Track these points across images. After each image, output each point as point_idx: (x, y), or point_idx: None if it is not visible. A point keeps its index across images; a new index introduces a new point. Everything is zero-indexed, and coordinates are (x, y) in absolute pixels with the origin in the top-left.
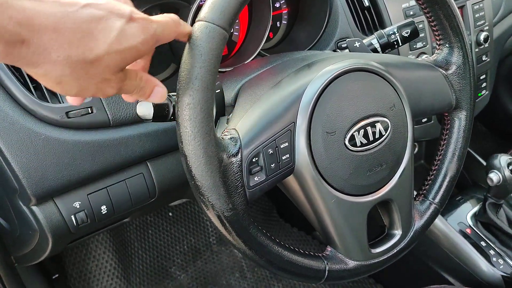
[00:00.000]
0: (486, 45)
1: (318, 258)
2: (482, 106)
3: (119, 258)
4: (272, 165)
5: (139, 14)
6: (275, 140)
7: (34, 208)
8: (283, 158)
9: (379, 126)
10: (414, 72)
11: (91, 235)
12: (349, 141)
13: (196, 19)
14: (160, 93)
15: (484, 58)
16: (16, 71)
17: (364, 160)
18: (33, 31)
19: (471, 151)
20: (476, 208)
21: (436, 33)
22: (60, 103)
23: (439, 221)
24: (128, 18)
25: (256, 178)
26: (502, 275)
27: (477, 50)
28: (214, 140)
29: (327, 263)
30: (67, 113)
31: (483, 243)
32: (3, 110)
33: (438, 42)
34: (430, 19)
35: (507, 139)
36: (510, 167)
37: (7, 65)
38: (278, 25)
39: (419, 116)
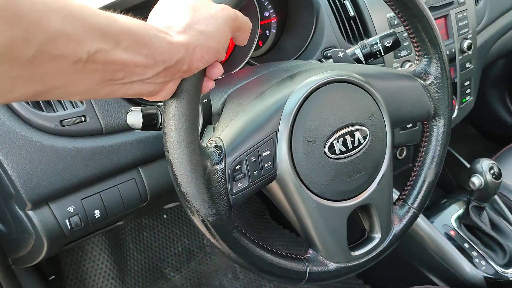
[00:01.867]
0: (470, 52)
1: (299, 261)
2: (467, 111)
3: (115, 260)
4: (255, 172)
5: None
6: (257, 148)
7: (30, 212)
8: (265, 165)
9: (357, 134)
10: (393, 82)
11: (86, 238)
12: (329, 149)
13: None
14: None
15: (468, 65)
16: None
17: (343, 167)
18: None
19: (457, 155)
20: (460, 211)
21: (415, 45)
22: (54, 112)
23: (424, 224)
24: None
25: (239, 185)
26: (484, 276)
27: (460, 57)
28: (198, 149)
29: (308, 265)
30: (61, 121)
31: (466, 245)
32: (0, 119)
33: (417, 54)
34: (409, 32)
35: (496, 141)
36: (491, 171)
37: None
38: (267, 34)
39: (399, 124)
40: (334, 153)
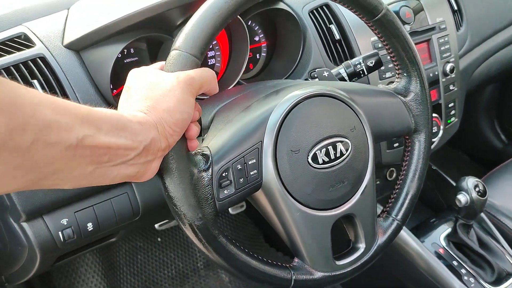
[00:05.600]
0: (453, 75)
1: (284, 268)
2: (452, 132)
3: (108, 282)
4: (241, 180)
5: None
6: (243, 157)
7: (24, 224)
8: (251, 173)
9: (340, 146)
10: (375, 98)
11: (78, 254)
12: (312, 159)
13: (172, 48)
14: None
15: (451, 87)
16: None
17: (326, 176)
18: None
19: (445, 176)
20: (449, 230)
21: (395, 64)
22: None
23: (414, 242)
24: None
25: (225, 191)
26: None
27: (444, 80)
28: (185, 155)
29: (293, 273)
30: None
31: (455, 263)
32: None
33: (397, 72)
34: (389, 51)
35: (488, 167)
36: (477, 189)
37: None
38: (257, 57)
39: (381, 139)
40: (318, 162)
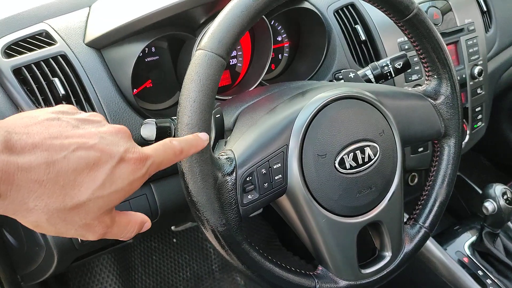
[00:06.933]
0: (481, 78)
1: (309, 277)
2: (478, 138)
3: (123, 283)
4: (265, 185)
5: (133, 152)
6: (268, 161)
7: None
8: (276, 178)
9: (368, 150)
10: (404, 101)
11: (95, 255)
12: (339, 163)
13: (197, 48)
14: (147, 227)
15: (479, 91)
16: (32, 96)
17: (353, 182)
18: (12, 185)
19: (470, 181)
20: (473, 238)
21: (425, 65)
22: None
23: (437, 250)
24: (118, 159)
25: (249, 196)
26: None
27: (471, 83)
28: (210, 158)
29: (317, 281)
30: None
31: (480, 272)
32: None
33: (427, 74)
34: (419, 52)
35: (510, 172)
36: (505, 197)
37: (24, 92)
38: (280, 58)
39: (409, 143)
40: (345, 168)
